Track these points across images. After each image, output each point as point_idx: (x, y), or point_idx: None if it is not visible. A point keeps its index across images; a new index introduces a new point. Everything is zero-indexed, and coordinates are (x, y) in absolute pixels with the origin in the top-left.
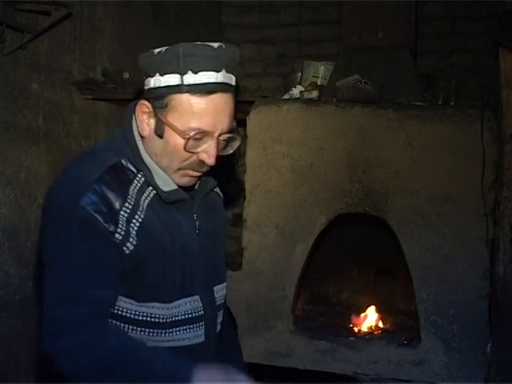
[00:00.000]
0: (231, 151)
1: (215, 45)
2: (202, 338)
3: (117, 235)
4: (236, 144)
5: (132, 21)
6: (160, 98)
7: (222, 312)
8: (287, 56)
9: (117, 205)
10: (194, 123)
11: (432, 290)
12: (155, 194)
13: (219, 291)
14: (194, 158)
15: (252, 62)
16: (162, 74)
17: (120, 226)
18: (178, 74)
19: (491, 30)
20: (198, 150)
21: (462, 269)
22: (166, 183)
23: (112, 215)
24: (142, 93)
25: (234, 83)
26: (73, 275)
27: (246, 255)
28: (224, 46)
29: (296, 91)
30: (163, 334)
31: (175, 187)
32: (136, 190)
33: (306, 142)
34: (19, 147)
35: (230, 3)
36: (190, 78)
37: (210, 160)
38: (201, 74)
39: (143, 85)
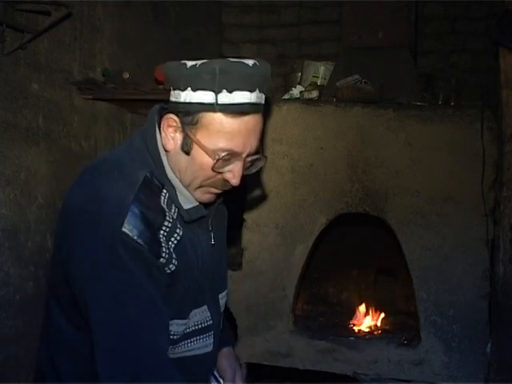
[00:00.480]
0: (254, 171)
1: (250, 62)
2: (211, 348)
3: (162, 259)
4: (261, 164)
5: (132, 21)
6: (190, 114)
7: (222, 318)
8: (287, 56)
9: (157, 224)
10: (225, 144)
11: (432, 290)
12: (179, 214)
13: (223, 298)
14: (219, 177)
15: None
16: (194, 90)
17: (164, 246)
18: (213, 91)
19: (491, 30)
20: (225, 170)
21: (461, 269)
22: (188, 200)
23: (155, 237)
24: (166, 102)
25: (264, 102)
26: (131, 328)
27: (246, 255)
28: (258, 64)
29: (296, 91)
30: (176, 348)
31: (196, 204)
32: (165, 206)
33: (306, 141)
34: (19, 147)
35: (230, 3)
36: (225, 98)
37: (235, 180)
38: (235, 93)
39: (169, 95)
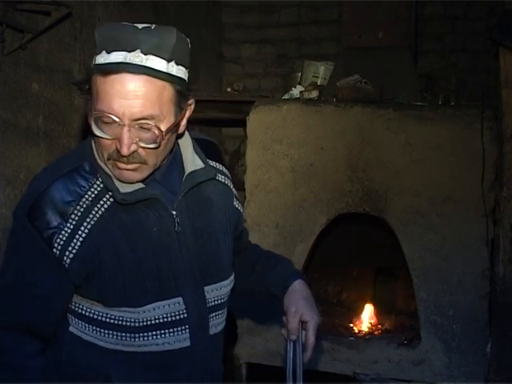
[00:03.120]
0: (153, 145)
1: (142, 25)
2: (188, 343)
3: (54, 250)
4: (154, 136)
5: (132, 21)
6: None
7: (221, 312)
8: (287, 56)
9: (62, 215)
10: (98, 105)
11: (432, 290)
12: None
13: (213, 291)
14: (114, 147)
15: (252, 62)
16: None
17: (60, 238)
18: (95, 55)
19: (491, 30)
20: (111, 134)
21: (461, 269)
22: (123, 186)
23: (54, 229)
24: None
25: (158, 68)
26: (6, 286)
27: None
28: (153, 28)
29: (296, 91)
30: (136, 339)
31: (140, 186)
32: (91, 198)
33: (306, 141)
34: (19, 147)
35: (230, 3)
36: (101, 58)
37: (122, 149)
38: (112, 54)
39: None
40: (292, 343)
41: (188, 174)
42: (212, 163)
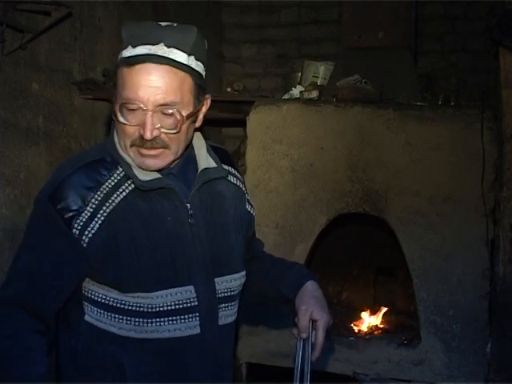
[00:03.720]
0: (174, 130)
1: (166, 23)
2: (198, 330)
3: (74, 230)
4: (176, 121)
5: (132, 21)
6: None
7: (231, 304)
8: (287, 56)
9: (82, 200)
10: (124, 93)
11: (432, 290)
12: (134, 188)
13: (223, 283)
14: (137, 133)
15: (252, 62)
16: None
17: (79, 221)
18: (121, 50)
19: (491, 30)
20: (135, 121)
21: (461, 269)
22: (147, 173)
23: (74, 211)
24: None
25: (179, 59)
26: (22, 265)
27: None
28: (175, 25)
29: (296, 91)
30: (149, 324)
31: (157, 176)
32: (112, 185)
33: (306, 141)
34: (19, 147)
35: (230, 3)
36: (127, 52)
37: (146, 134)
38: (138, 47)
39: None
40: (302, 342)
41: (201, 171)
42: (225, 166)
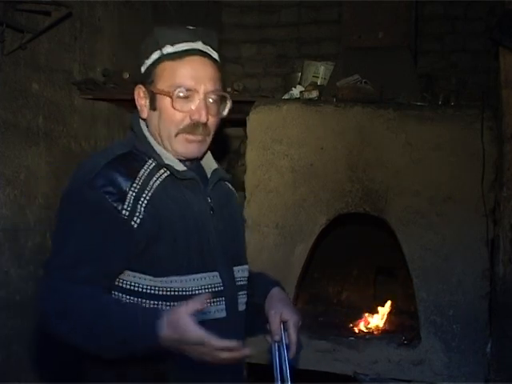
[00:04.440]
0: (224, 113)
1: (191, 26)
2: (224, 313)
3: (124, 211)
4: (227, 105)
5: (132, 21)
6: (149, 76)
7: (245, 293)
8: (287, 56)
9: (124, 185)
10: (177, 80)
11: (432, 290)
12: (166, 177)
13: (239, 271)
14: (187, 120)
15: (252, 62)
16: (147, 58)
17: (127, 203)
18: (158, 50)
19: (491, 30)
20: (186, 108)
21: (461, 269)
22: (176, 165)
23: (119, 194)
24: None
25: (214, 56)
26: (76, 247)
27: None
28: (199, 28)
29: (296, 91)
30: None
31: (185, 168)
32: (146, 173)
33: (306, 141)
34: (19, 147)
35: (230, 3)
36: (169, 49)
37: (202, 117)
38: (178, 44)
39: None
40: (276, 344)
41: (214, 170)
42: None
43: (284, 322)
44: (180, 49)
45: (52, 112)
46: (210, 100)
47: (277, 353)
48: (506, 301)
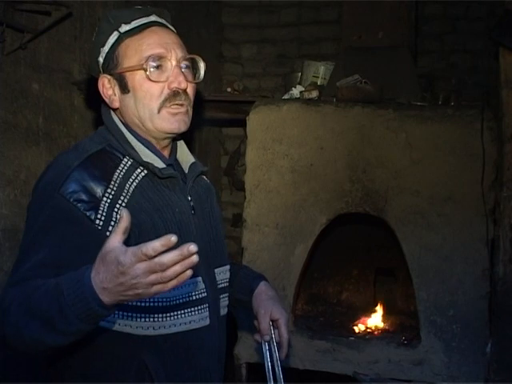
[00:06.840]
0: (201, 77)
1: (139, 6)
2: (208, 321)
3: (97, 221)
4: (201, 68)
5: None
6: (111, 61)
7: (226, 296)
8: (287, 56)
9: (97, 191)
10: (145, 52)
11: (432, 290)
12: (144, 177)
13: (221, 274)
14: (166, 90)
15: (252, 62)
16: (103, 45)
17: (101, 211)
18: (115, 30)
19: (491, 30)
20: (163, 78)
21: (461, 269)
22: (156, 162)
23: (92, 202)
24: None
25: (172, 28)
26: (44, 259)
27: (246, 255)
28: (149, 6)
29: (296, 91)
30: (167, 319)
31: (165, 166)
32: (122, 175)
33: (306, 141)
34: (19, 147)
35: (230, 3)
36: (126, 27)
37: (181, 83)
38: (133, 22)
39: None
40: (267, 344)
41: (192, 164)
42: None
43: (273, 321)
44: (137, 24)
45: (52, 112)
46: (183, 65)
47: (268, 353)
48: (505, 301)
